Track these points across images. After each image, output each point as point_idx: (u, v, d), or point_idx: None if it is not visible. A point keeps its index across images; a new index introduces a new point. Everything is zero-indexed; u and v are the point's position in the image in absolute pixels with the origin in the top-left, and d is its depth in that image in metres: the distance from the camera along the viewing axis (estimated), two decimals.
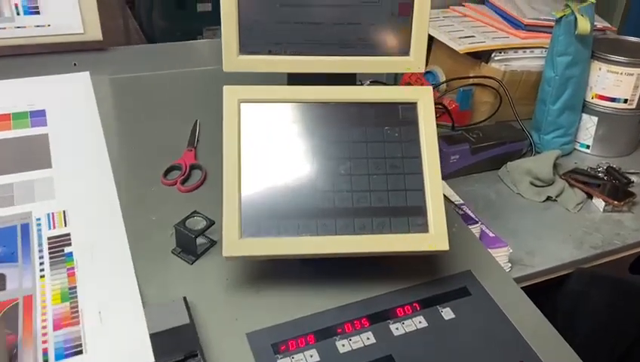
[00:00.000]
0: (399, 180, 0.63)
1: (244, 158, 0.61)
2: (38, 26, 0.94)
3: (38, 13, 0.93)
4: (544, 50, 1.16)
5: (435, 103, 1.17)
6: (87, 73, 0.95)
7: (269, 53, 0.66)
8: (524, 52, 1.16)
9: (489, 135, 1.07)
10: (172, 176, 0.77)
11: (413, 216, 0.61)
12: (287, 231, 0.59)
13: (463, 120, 1.20)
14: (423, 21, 0.66)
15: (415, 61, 0.67)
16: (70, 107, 0.89)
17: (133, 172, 0.79)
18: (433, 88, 1.22)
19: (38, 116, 0.86)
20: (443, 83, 1.22)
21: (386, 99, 0.65)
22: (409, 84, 1.15)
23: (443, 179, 0.67)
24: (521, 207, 0.99)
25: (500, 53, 1.15)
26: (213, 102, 0.66)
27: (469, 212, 0.85)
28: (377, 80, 1.07)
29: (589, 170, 1.05)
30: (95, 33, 0.97)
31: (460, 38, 1.19)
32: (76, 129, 0.84)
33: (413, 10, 0.66)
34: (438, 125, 1.01)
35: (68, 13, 0.94)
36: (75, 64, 0.95)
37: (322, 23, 0.66)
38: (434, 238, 0.60)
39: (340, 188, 0.62)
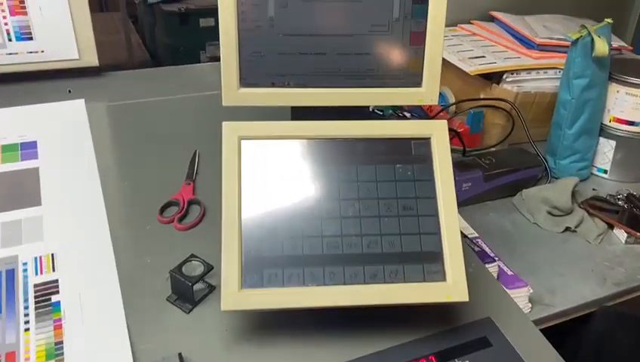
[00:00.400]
0: (413, 223, 0.58)
1: (245, 201, 0.57)
2: (31, 52, 0.90)
3: (31, 38, 0.90)
4: (558, 70, 1.12)
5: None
6: (82, 101, 0.92)
7: (272, 85, 0.62)
8: (537, 73, 1.12)
9: (502, 160, 1.02)
10: (169, 213, 0.73)
11: (429, 263, 0.56)
12: (292, 280, 0.55)
13: (473, 143, 1.15)
14: (436, 51, 0.61)
15: (428, 93, 0.63)
16: (63, 138, 0.85)
17: (127, 208, 0.74)
18: (442, 110, 1.18)
19: (28, 148, 0.82)
20: (452, 105, 1.18)
21: (398, 134, 0.60)
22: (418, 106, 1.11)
23: None
24: (539, 238, 0.94)
25: (512, 74, 1.11)
26: (214, 130, 0.62)
27: (485, 248, 0.80)
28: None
29: (608, 197, 1.00)
30: (91, 58, 0.93)
31: (470, 58, 1.14)
32: (69, 162, 0.80)
33: (425, 40, 0.61)
34: None
35: (62, 38, 0.90)
36: (69, 91, 0.91)
37: (328, 53, 0.61)
38: (451, 288, 0.56)
39: (348, 233, 0.57)
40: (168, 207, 0.74)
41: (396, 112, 1.10)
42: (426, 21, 0.61)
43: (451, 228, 0.58)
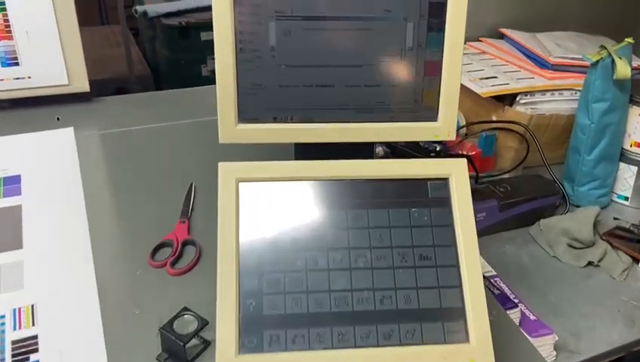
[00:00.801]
0: (431, 275, 0.52)
1: (243, 252, 0.51)
2: (17, 78, 0.85)
3: (17, 64, 0.84)
4: (574, 92, 1.06)
5: (456, 154, 1.07)
6: (71, 129, 0.86)
7: (274, 120, 0.56)
8: (552, 94, 1.06)
9: (518, 188, 0.96)
10: (161, 256, 0.67)
11: (449, 321, 0.50)
12: (297, 343, 0.49)
13: (485, 167, 1.10)
14: (454, 82, 0.56)
15: (444, 127, 0.57)
16: (49, 171, 0.79)
17: (116, 250, 0.68)
18: None
19: (11, 183, 0.76)
20: (463, 127, 1.12)
21: (412, 174, 0.55)
22: None
23: None
24: (560, 273, 0.87)
25: (526, 95, 1.05)
26: (213, 160, 0.56)
27: (505, 289, 0.74)
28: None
29: (632, 227, 0.94)
30: (81, 84, 0.88)
31: (481, 79, 1.09)
32: (54, 199, 0.74)
33: (441, 70, 0.56)
34: None
35: (51, 63, 0.85)
36: (58, 118, 0.86)
37: (335, 85, 0.56)
38: (476, 350, 0.50)
39: (358, 287, 0.51)
40: (161, 249, 0.68)
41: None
42: (442, 50, 0.55)
43: (474, 280, 0.52)
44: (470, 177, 1.05)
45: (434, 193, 0.55)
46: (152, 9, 2.43)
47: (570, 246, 0.90)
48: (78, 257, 0.64)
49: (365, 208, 0.53)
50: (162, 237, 0.69)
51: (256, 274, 0.50)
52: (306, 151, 0.57)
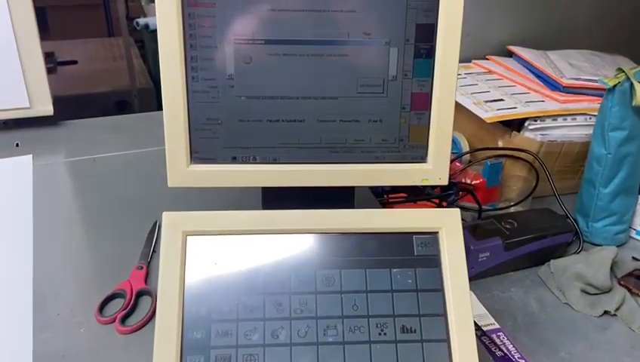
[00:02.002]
0: (415, 351, 0.43)
1: (188, 319, 0.42)
2: None
3: None
4: (588, 116, 0.97)
5: (458, 183, 0.98)
6: (29, 157, 0.79)
7: (233, 161, 0.48)
8: (564, 119, 0.97)
9: (526, 225, 0.87)
10: (111, 309, 0.58)
11: None
12: None
13: (490, 197, 1.00)
14: (446, 117, 0.47)
15: (435, 170, 0.48)
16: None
17: (59, 301, 0.60)
18: (454, 159, 1.04)
19: None
20: (466, 153, 1.03)
21: (394, 227, 0.46)
22: None
23: (469, 280, 0.47)
24: (572, 322, 0.77)
25: (536, 120, 0.96)
26: (182, 195, 0.48)
27: (510, 347, 0.64)
28: None
29: None
30: (44, 107, 0.81)
31: (487, 102, 1.00)
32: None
33: (431, 104, 0.47)
34: (460, 207, 0.81)
35: (8, 84, 0.78)
36: (17, 144, 0.78)
37: (305, 120, 0.47)
38: None
39: None
40: (112, 300, 0.59)
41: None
42: (432, 80, 0.47)
43: (468, 358, 0.43)
44: (472, 210, 0.96)
45: (420, 250, 0.46)
46: (154, 22, 2.37)
47: (584, 291, 0.80)
48: (14, 313, 0.56)
49: (337, 268, 0.45)
50: (115, 286, 0.60)
51: (202, 348, 0.42)
52: (273, 197, 0.49)
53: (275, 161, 0.48)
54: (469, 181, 0.98)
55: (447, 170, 0.49)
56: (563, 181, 0.98)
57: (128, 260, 0.64)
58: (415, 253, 0.45)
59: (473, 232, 0.84)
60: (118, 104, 2.32)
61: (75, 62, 2.37)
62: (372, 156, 0.48)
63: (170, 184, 0.47)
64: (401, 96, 0.47)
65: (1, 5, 0.73)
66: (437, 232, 0.46)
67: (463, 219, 0.94)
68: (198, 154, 0.47)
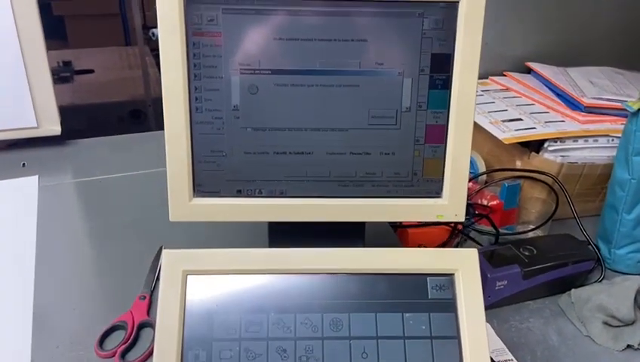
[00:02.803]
0: None
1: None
2: None
3: None
4: (610, 138, 0.93)
5: (474, 204, 0.95)
6: (36, 178, 0.77)
7: (237, 194, 0.46)
8: (586, 141, 0.93)
9: (545, 251, 0.83)
10: (112, 342, 0.56)
11: None
12: None
13: (507, 220, 0.97)
14: (463, 150, 0.45)
15: (450, 205, 0.46)
16: (2, 226, 0.70)
17: (59, 333, 0.57)
18: (470, 180, 1.01)
19: None
20: (482, 174, 1.00)
21: (407, 268, 0.43)
22: None
23: (486, 309, 0.44)
24: (594, 356, 0.74)
25: (556, 141, 0.93)
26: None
27: None
28: None
29: None
30: (52, 126, 0.79)
31: (504, 121, 0.97)
32: (1, 261, 0.65)
33: (447, 136, 0.44)
34: (476, 230, 0.78)
35: (16, 103, 0.77)
36: (24, 164, 0.77)
37: (313, 152, 0.45)
38: None
39: None
40: (112, 333, 0.57)
41: None
42: (448, 112, 0.44)
43: None
44: (488, 233, 0.93)
45: (435, 293, 0.43)
46: None
47: (606, 324, 0.76)
48: (12, 337, 0.54)
49: (346, 311, 0.42)
50: (116, 317, 0.58)
51: None
52: (280, 231, 0.47)
53: (281, 195, 0.46)
54: (485, 202, 0.95)
55: (464, 205, 0.46)
56: (584, 204, 0.94)
57: (131, 288, 0.62)
58: (429, 297, 0.43)
59: (490, 259, 0.81)
60: (133, 113, 2.33)
61: (91, 71, 2.39)
62: (383, 190, 0.46)
63: (171, 218, 0.45)
64: (415, 128, 0.44)
65: (9, 26, 0.72)
66: (453, 274, 0.43)
67: (478, 244, 0.91)
68: (202, 187, 0.45)
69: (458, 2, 0.41)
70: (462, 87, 0.43)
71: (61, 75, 2.24)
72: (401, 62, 0.43)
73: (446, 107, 0.44)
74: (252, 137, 0.44)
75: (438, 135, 0.44)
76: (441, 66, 0.43)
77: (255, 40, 0.42)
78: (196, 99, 0.43)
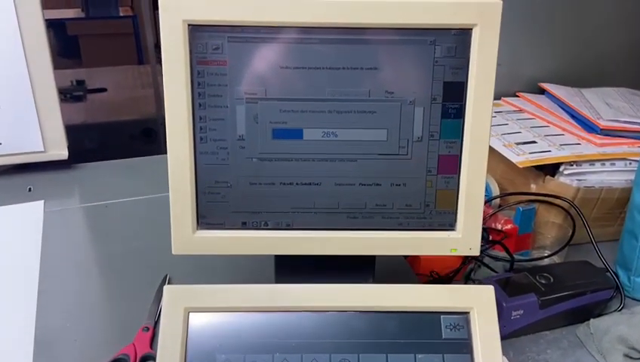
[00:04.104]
0: None
1: None
2: None
3: None
4: (628, 162, 0.90)
5: (487, 228, 0.93)
6: (41, 203, 0.76)
7: (242, 226, 0.44)
8: (603, 164, 0.91)
9: (562, 279, 0.80)
10: None
11: None
12: None
13: (523, 245, 0.94)
14: (477, 180, 0.43)
15: (464, 239, 0.44)
16: (6, 253, 0.69)
17: None
18: (484, 203, 0.98)
19: None
20: (496, 198, 0.97)
21: (420, 306, 0.41)
22: None
23: (501, 339, 0.41)
24: None
25: (572, 165, 0.90)
26: None
27: None
28: None
29: None
30: (59, 151, 0.79)
31: (518, 144, 0.95)
32: (2, 290, 0.64)
33: (460, 167, 0.43)
34: (490, 256, 0.75)
35: (24, 127, 0.76)
36: (30, 189, 0.76)
37: (321, 183, 0.43)
38: None
39: None
40: None
41: None
42: (462, 142, 0.42)
43: None
44: (503, 259, 0.90)
45: (449, 332, 0.41)
46: None
47: (627, 356, 0.73)
48: None
49: (355, 351, 0.40)
50: (119, 349, 0.57)
51: None
52: (287, 264, 0.45)
53: (288, 227, 0.44)
54: (499, 227, 0.93)
55: (479, 239, 0.44)
56: (601, 228, 0.91)
57: (135, 318, 0.60)
58: (443, 336, 0.41)
59: (505, 287, 0.78)
60: (145, 131, 2.34)
61: (104, 90, 2.41)
62: (394, 223, 0.44)
63: (174, 251, 0.44)
64: (427, 158, 0.43)
65: (18, 51, 0.72)
66: (468, 312, 0.41)
67: (493, 270, 0.88)
68: (206, 219, 0.44)
69: (471, 29, 0.40)
70: (476, 116, 0.42)
71: (74, 93, 2.26)
72: (412, 90, 0.41)
73: (459, 136, 0.42)
74: (258, 168, 0.43)
75: (451, 165, 0.43)
76: (453, 95, 0.41)
77: (261, 69, 0.41)
78: (201, 129, 0.42)
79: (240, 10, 0.40)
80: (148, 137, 2.34)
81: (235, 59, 0.41)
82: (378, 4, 0.39)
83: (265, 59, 0.41)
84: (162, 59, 0.40)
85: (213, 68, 0.41)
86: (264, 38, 0.40)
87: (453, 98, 0.41)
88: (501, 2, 0.39)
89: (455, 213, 0.44)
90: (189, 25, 0.40)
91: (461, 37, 0.40)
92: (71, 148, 0.78)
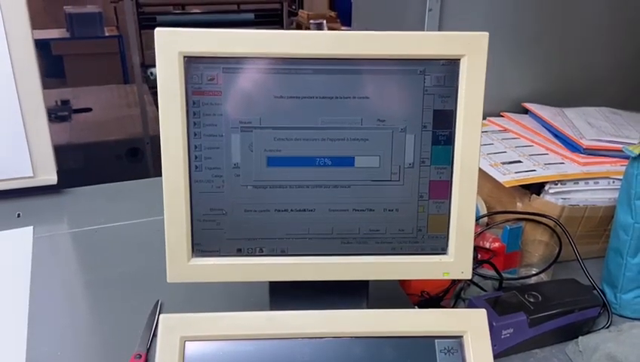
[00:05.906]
0: None
1: None
2: None
3: None
4: (611, 180, 0.92)
5: (476, 247, 0.94)
6: (30, 229, 0.76)
7: (238, 253, 0.45)
8: (586, 183, 0.93)
9: (551, 298, 0.81)
10: None
11: None
12: None
13: (510, 263, 0.95)
14: (468, 205, 0.44)
15: (456, 262, 0.45)
16: None
17: None
18: None
19: None
20: (484, 216, 0.99)
21: (414, 331, 0.42)
22: None
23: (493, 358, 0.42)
24: None
25: (556, 184, 0.92)
26: None
27: None
28: None
29: None
30: (48, 176, 0.78)
31: (504, 163, 0.96)
32: None
33: (451, 192, 0.44)
34: (479, 275, 0.76)
35: (13, 153, 0.76)
36: (18, 215, 0.76)
37: (315, 209, 0.44)
38: None
39: None
40: None
41: None
42: (452, 167, 0.43)
43: None
44: (491, 278, 0.91)
45: (443, 357, 0.41)
46: None
47: None
48: None
49: None
50: None
51: None
52: (282, 290, 0.45)
53: (282, 253, 0.44)
54: (487, 245, 0.94)
55: (471, 262, 0.45)
56: (587, 246, 0.93)
57: (127, 345, 0.60)
58: (437, 360, 0.41)
59: (494, 306, 0.79)
60: (131, 151, 2.33)
61: (89, 110, 2.39)
62: (388, 247, 0.45)
63: (169, 279, 0.44)
64: (419, 184, 0.44)
65: (8, 76, 0.72)
66: (462, 336, 0.42)
67: (482, 289, 0.89)
68: (201, 246, 0.44)
69: (459, 60, 0.41)
70: (465, 142, 0.43)
71: (59, 113, 2.24)
72: (403, 118, 0.42)
73: (449, 162, 0.43)
74: (253, 195, 0.44)
75: (442, 190, 0.44)
76: (443, 122, 0.42)
77: (256, 98, 0.42)
78: (196, 157, 0.43)
79: (234, 42, 0.40)
80: (134, 157, 2.32)
81: (229, 89, 0.41)
82: (369, 37, 0.40)
83: (259, 89, 0.41)
84: (158, 90, 0.41)
85: (208, 98, 0.42)
86: (258, 69, 0.41)
87: (443, 125, 0.42)
88: (487, 34, 0.41)
89: (447, 237, 0.45)
90: (184, 57, 0.40)
91: (450, 67, 0.41)
92: (59, 171, 0.78)
